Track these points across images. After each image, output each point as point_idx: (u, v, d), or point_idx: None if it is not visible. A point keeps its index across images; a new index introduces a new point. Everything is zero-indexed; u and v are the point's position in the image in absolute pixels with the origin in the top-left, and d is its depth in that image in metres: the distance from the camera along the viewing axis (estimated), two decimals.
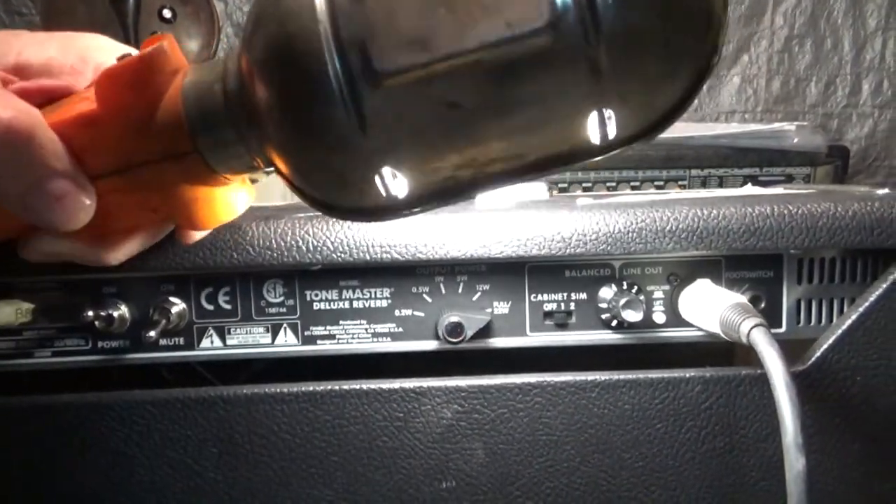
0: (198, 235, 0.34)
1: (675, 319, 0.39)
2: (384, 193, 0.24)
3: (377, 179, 0.24)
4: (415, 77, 0.22)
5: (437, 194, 0.26)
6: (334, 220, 0.37)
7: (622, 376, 0.37)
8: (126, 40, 0.59)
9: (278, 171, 0.27)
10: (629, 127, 0.23)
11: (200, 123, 0.26)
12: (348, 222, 0.37)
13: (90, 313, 0.36)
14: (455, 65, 0.22)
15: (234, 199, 0.31)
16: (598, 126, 0.23)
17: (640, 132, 0.24)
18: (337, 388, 0.38)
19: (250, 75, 0.24)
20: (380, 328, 0.38)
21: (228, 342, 0.38)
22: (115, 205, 0.28)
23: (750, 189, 0.65)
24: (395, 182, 0.24)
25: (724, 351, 0.42)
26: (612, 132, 0.23)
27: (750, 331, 0.33)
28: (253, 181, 0.32)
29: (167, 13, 0.61)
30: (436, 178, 0.25)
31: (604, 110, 0.22)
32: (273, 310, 0.38)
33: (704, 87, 1.03)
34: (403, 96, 0.22)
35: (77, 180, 0.26)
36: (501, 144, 0.24)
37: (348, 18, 0.22)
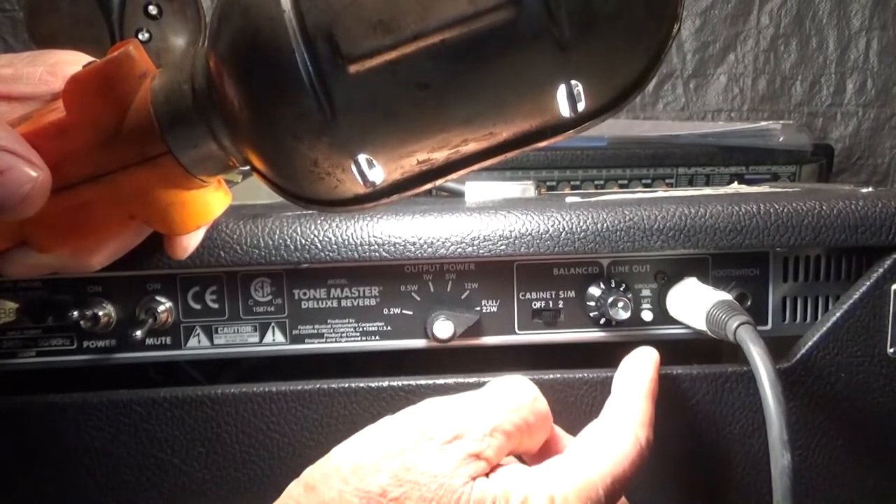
0: (189, 248, 0.33)
1: (663, 317, 0.39)
2: (361, 181, 0.24)
3: (353, 168, 0.24)
4: (383, 60, 0.22)
5: (413, 178, 0.26)
6: (322, 218, 0.37)
7: (610, 374, 0.38)
8: (111, 37, 0.58)
9: (253, 168, 0.26)
10: (598, 98, 0.23)
11: (171, 124, 0.26)
12: (336, 220, 0.37)
13: (75, 313, 0.36)
14: (422, 45, 0.22)
15: (210, 202, 0.30)
16: (568, 99, 0.23)
17: (610, 102, 0.24)
18: (325, 386, 0.38)
19: (218, 70, 0.24)
20: (368, 327, 0.38)
21: (216, 341, 0.38)
22: (91, 213, 0.28)
23: (736, 187, 0.66)
24: (370, 169, 0.24)
25: (711, 348, 0.42)
26: (581, 104, 0.23)
27: (736, 328, 0.33)
28: (229, 183, 0.32)
29: (153, 9, 0.60)
30: (411, 161, 0.25)
31: (572, 82, 0.22)
32: (261, 308, 0.38)
33: (691, 86, 1.04)
34: (373, 81, 0.22)
35: (20, 152, 0.25)
36: (474, 123, 0.24)
37: (312, 4, 0.22)
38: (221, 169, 0.28)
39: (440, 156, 0.25)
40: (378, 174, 0.24)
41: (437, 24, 0.21)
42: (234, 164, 0.27)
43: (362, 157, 0.24)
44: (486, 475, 0.29)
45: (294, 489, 0.30)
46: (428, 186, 0.26)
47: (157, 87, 0.26)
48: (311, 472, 0.30)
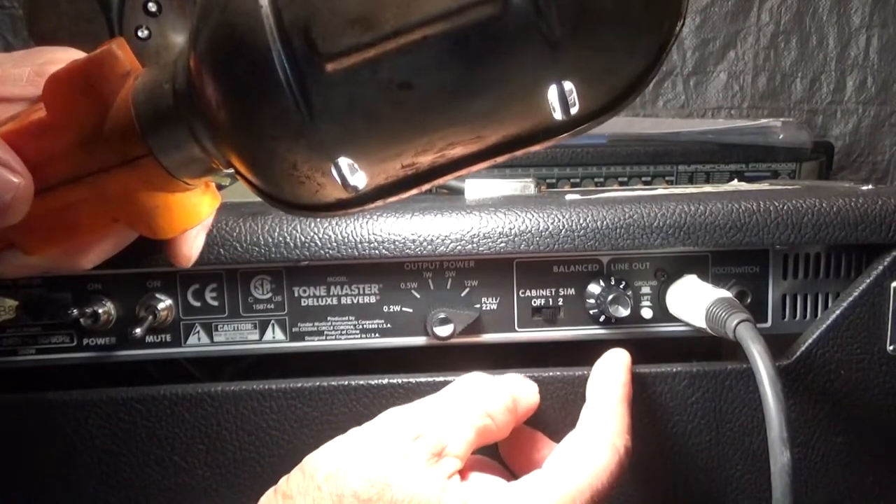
0: (192, 256, 0.33)
1: (663, 315, 0.39)
2: (342, 186, 0.23)
3: (334, 171, 0.23)
4: (362, 58, 0.21)
5: (397, 183, 0.25)
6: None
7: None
8: (110, 34, 0.58)
9: (236, 170, 0.26)
10: (593, 100, 0.22)
11: (151, 124, 0.25)
12: (336, 219, 0.36)
13: (75, 311, 0.36)
14: (402, 42, 0.21)
15: (196, 205, 0.30)
16: (559, 101, 0.21)
17: (605, 106, 0.22)
18: (325, 384, 0.38)
19: (197, 69, 0.23)
20: (368, 324, 0.38)
21: (216, 339, 0.38)
22: (75, 215, 0.28)
23: (736, 185, 0.65)
24: (352, 173, 0.23)
25: (711, 346, 0.42)
26: (574, 107, 0.21)
27: (736, 326, 0.33)
28: (220, 187, 0.32)
29: (152, 6, 0.60)
30: (395, 165, 0.24)
31: (563, 83, 0.21)
32: (261, 306, 0.38)
33: (691, 83, 1.04)
34: (352, 80, 0.21)
35: (1, 158, 0.25)
36: (459, 125, 0.23)
37: (290, 1, 0.21)
38: (205, 171, 0.27)
39: (425, 160, 0.24)
40: (360, 179, 0.23)
41: (417, 20, 0.20)
42: (217, 167, 0.26)
43: (343, 161, 0.23)
44: (462, 478, 0.30)
45: (272, 499, 0.30)
46: (414, 192, 0.25)
47: (139, 87, 0.25)
48: (288, 483, 0.31)
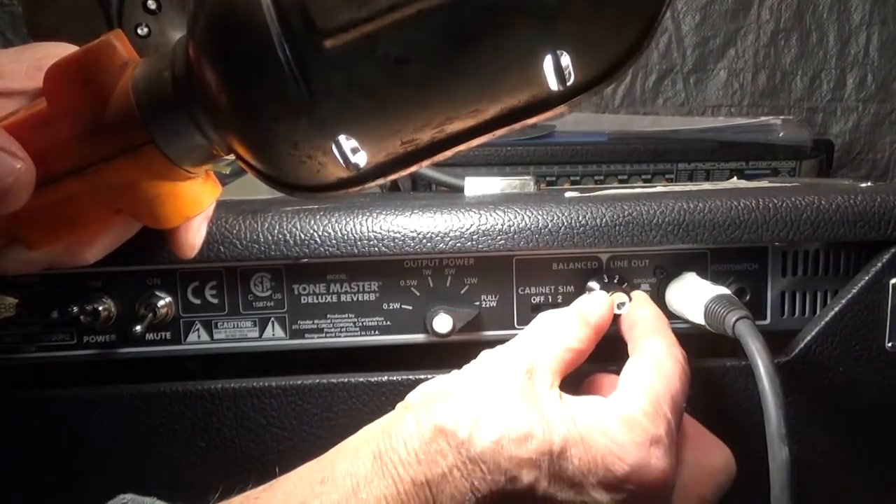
0: (197, 245, 0.33)
1: (662, 312, 0.39)
2: (343, 164, 0.23)
3: (334, 149, 0.23)
4: (359, 34, 0.21)
5: (398, 160, 0.25)
6: (322, 213, 0.37)
7: (610, 368, 0.38)
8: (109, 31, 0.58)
9: (237, 156, 0.26)
10: (589, 69, 0.22)
11: (152, 112, 0.25)
12: (335, 215, 0.37)
13: (75, 308, 0.36)
14: (398, 16, 0.21)
15: (198, 194, 0.30)
16: (555, 71, 0.22)
17: (602, 74, 0.23)
18: (325, 381, 0.38)
19: (196, 54, 0.23)
20: (368, 322, 0.38)
21: (216, 336, 0.38)
22: (78, 207, 0.28)
23: (735, 182, 0.65)
24: (352, 151, 0.23)
25: (710, 342, 0.42)
26: (570, 76, 0.22)
27: (735, 323, 0.33)
28: (222, 181, 0.32)
29: (152, 4, 0.60)
30: (394, 142, 0.24)
31: (558, 53, 0.22)
32: (260, 303, 0.38)
33: (691, 81, 1.04)
34: (350, 56, 0.21)
35: (1, 144, 0.25)
36: (457, 99, 0.23)
37: None
38: (206, 158, 0.27)
39: (425, 136, 0.24)
40: (361, 157, 0.23)
41: None
42: (218, 153, 0.27)
43: (343, 139, 0.23)
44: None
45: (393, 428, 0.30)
46: (414, 168, 0.25)
47: (139, 76, 0.25)
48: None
